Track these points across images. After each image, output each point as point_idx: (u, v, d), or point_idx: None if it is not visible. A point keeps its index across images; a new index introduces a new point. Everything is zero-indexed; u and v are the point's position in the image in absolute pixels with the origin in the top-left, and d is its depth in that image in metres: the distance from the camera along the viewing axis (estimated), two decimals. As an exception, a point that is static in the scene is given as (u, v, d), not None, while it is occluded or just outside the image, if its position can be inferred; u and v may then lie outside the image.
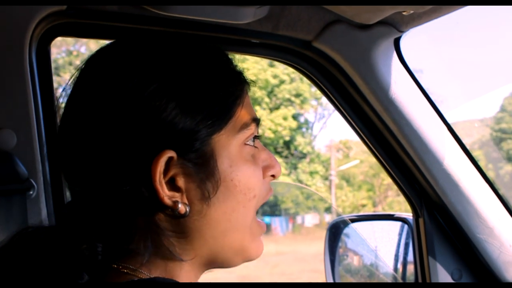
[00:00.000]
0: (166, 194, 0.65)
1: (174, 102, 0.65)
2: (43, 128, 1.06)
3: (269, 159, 0.75)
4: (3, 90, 1.02)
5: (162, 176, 0.64)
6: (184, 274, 0.69)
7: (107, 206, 0.67)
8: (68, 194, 1.11)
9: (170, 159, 0.64)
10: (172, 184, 0.66)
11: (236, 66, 0.74)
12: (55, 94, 1.11)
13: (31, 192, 1.02)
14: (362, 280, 1.78)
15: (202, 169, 0.67)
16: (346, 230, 1.69)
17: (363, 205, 19.44)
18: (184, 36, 0.75)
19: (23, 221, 1.01)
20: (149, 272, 0.67)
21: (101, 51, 0.72)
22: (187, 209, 0.66)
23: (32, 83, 1.04)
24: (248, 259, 0.74)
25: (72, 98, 0.70)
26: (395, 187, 1.34)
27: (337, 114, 1.34)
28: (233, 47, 1.22)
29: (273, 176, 0.76)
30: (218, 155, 0.67)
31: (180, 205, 0.65)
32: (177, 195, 0.66)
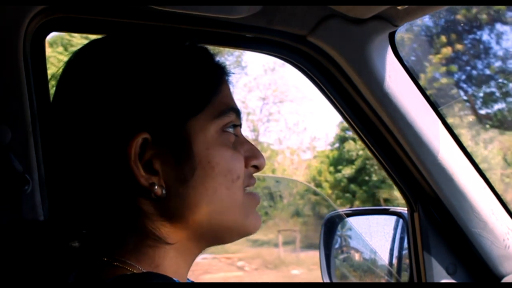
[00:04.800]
0: (142, 176, 0.67)
1: (149, 88, 0.68)
2: (38, 123, 1.06)
3: (252, 150, 0.78)
4: (-3, 86, 1.02)
5: (137, 157, 0.66)
6: (169, 261, 0.71)
7: (90, 195, 0.69)
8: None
9: (145, 141, 0.67)
10: (149, 167, 0.68)
11: (215, 59, 0.77)
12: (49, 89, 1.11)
13: (26, 188, 1.02)
14: (358, 274, 1.78)
15: (178, 151, 0.69)
16: (341, 225, 1.70)
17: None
18: (168, 31, 0.77)
19: (18, 216, 1.01)
20: (137, 261, 0.68)
21: (83, 48, 0.75)
22: (163, 192, 0.68)
23: (26, 78, 1.04)
24: (246, 235, 0.76)
25: (57, 89, 0.73)
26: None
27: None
28: (227, 42, 1.22)
29: (256, 167, 0.78)
30: (193, 138, 0.70)
31: (156, 187, 0.67)
32: (153, 178, 0.68)
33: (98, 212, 0.69)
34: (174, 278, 0.67)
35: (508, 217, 1.35)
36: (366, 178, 13.68)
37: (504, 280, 1.36)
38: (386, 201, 12.87)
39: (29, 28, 1.04)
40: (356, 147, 13.94)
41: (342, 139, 14.84)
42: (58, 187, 0.72)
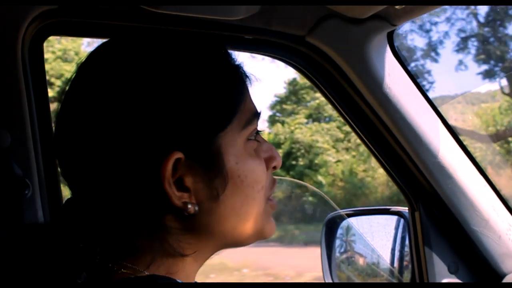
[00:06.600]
0: (175, 195, 0.65)
1: (178, 104, 0.65)
2: (37, 127, 1.06)
3: (270, 150, 0.75)
4: (-4, 90, 1.01)
5: (171, 177, 0.64)
6: (186, 266, 0.70)
7: (112, 209, 0.66)
8: (64, 193, 1.11)
9: (177, 160, 0.64)
10: (180, 185, 0.66)
11: (234, 61, 0.74)
12: (48, 93, 1.11)
13: (26, 192, 1.02)
14: (360, 275, 1.78)
15: (210, 168, 0.67)
16: (342, 225, 1.70)
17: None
18: (182, 34, 0.74)
19: (19, 221, 1.00)
20: (149, 270, 0.66)
21: (101, 52, 0.71)
22: (196, 209, 0.66)
23: (25, 82, 1.04)
24: (263, 238, 0.75)
25: (73, 100, 0.69)
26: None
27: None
28: (226, 44, 1.21)
29: (274, 167, 0.76)
30: (224, 153, 0.68)
31: (189, 206, 0.65)
32: (185, 196, 0.66)
33: (119, 228, 0.67)
34: (178, 280, 0.66)
35: (509, 214, 1.35)
36: (293, 162, 13.45)
37: (506, 279, 1.35)
38: (315, 184, 12.72)
39: (27, 32, 1.04)
40: (284, 131, 13.63)
41: (272, 122, 14.53)
42: (76, 200, 0.70)
